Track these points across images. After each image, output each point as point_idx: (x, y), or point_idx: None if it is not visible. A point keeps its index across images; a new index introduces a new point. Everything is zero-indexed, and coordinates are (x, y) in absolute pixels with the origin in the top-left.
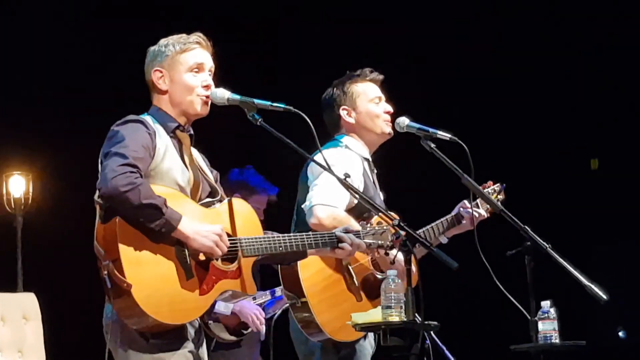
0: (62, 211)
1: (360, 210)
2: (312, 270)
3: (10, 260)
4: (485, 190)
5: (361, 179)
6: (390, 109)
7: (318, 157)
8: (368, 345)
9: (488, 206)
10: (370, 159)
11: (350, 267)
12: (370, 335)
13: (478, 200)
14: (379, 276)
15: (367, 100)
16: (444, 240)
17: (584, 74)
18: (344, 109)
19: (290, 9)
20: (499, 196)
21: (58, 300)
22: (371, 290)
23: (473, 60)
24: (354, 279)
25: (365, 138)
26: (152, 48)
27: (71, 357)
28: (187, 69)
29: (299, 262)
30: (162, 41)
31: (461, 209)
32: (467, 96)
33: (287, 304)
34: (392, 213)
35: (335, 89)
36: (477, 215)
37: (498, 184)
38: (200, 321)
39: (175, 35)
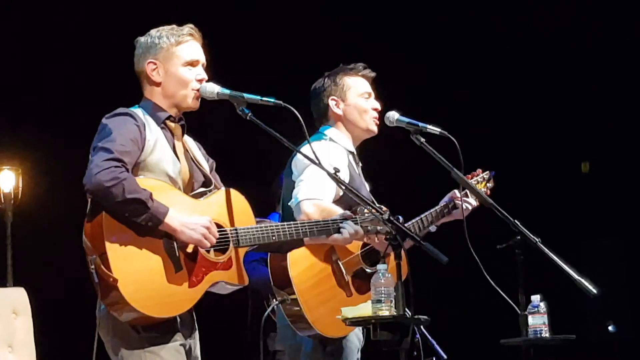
0: (52, 206)
1: (347, 202)
2: (301, 267)
3: (0, 255)
4: (473, 179)
5: (346, 171)
6: (378, 106)
7: (306, 151)
8: (355, 338)
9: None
10: (355, 152)
11: (340, 262)
12: (358, 329)
13: (467, 190)
14: (369, 270)
15: (357, 94)
16: (432, 228)
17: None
18: (332, 99)
19: (280, 3)
20: (487, 184)
21: (48, 295)
22: (361, 285)
23: (466, 58)
24: (344, 274)
25: (351, 131)
26: (142, 39)
27: (61, 352)
28: (183, 63)
29: (288, 259)
30: (154, 32)
31: (453, 199)
32: (457, 92)
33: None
34: (382, 206)
35: (326, 78)
36: (468, 207)
37: (487, 172)
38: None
39: (166, 26)
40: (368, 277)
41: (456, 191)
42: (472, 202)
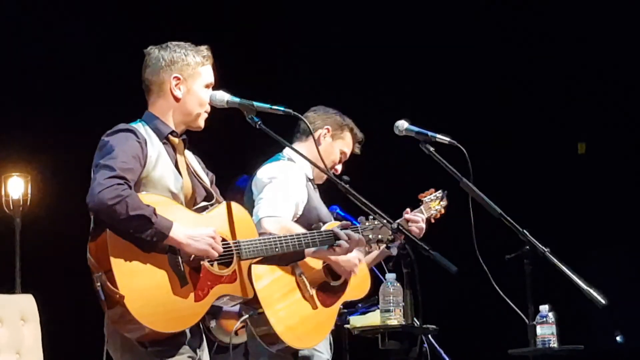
0: (60, 213)
1: (307, 221)
2: (266, 281)
3: (9, 262)
4: (427, 197)
5: (304, 190)
6: (339, 168)
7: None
8: (324, 349)
9: (429, 214)
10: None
11: (303, 276)
12: (325, 340)
13: (422, 207)
14: (333, 284)
15: (342, 149)
16: (394, 251)
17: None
18: (327, 129)
19: (290, 12)
20: (441, 202)
21: (56, 302)
22: (325, 297)
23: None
24: (308, 288)
25: (315, 164)
26: (162, 51)
27: (68, 359)
28: (204, 84)
29: (253, 274)
30: (177, 48)
31: (406, 215)
32: (460, 99)
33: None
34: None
35: (336, 115)
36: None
37: (440, 191)
38: (202, 325)
39: (186, 43)
40: (332, 290)
41: (408, 210)
42: (422, 216)
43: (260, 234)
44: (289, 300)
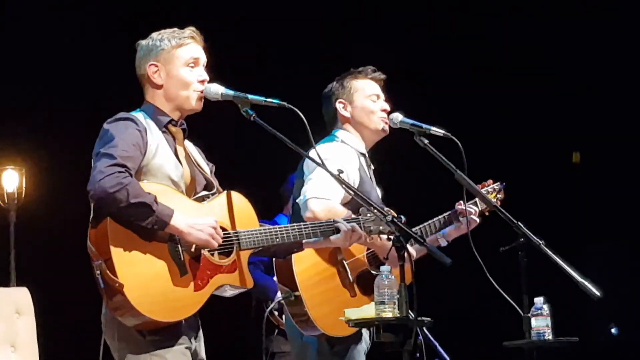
0: (55, 206)
1: (356, 204)
2: (306, 264)
3: (3, 255)
4: (484, 189)
5: (357, 173)
6: (387, 107)
7: (312, 153)
8: (363, 342)
9: (484, 205)
10: (367, 155)
11: (345, 262)
12: (365, 332)
13: (477, 199)
14: (375, 272)
15: (364, 96)
16: (443, 243)
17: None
18: (340, 102)
19: (285, 3)
20: (498, 195)
21: (51, 295)
22: (366, 286)
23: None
24: (349, 274)
25: (361, 133)
26: (143, 42)
27: (64, 352)
28: (183, 64)
29: (293, 256)
30: (155, 35)
31: (457, 209)
32: (454, 92)
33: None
34: (390, 209)
35: (335, 82)
36: (475, 219)
37: (497, 183)
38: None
39: (168, 29)
40: (373, 278)
41: (461, 202)
42: (475, 208)
43: (306, 218)
44: (327, 286)
